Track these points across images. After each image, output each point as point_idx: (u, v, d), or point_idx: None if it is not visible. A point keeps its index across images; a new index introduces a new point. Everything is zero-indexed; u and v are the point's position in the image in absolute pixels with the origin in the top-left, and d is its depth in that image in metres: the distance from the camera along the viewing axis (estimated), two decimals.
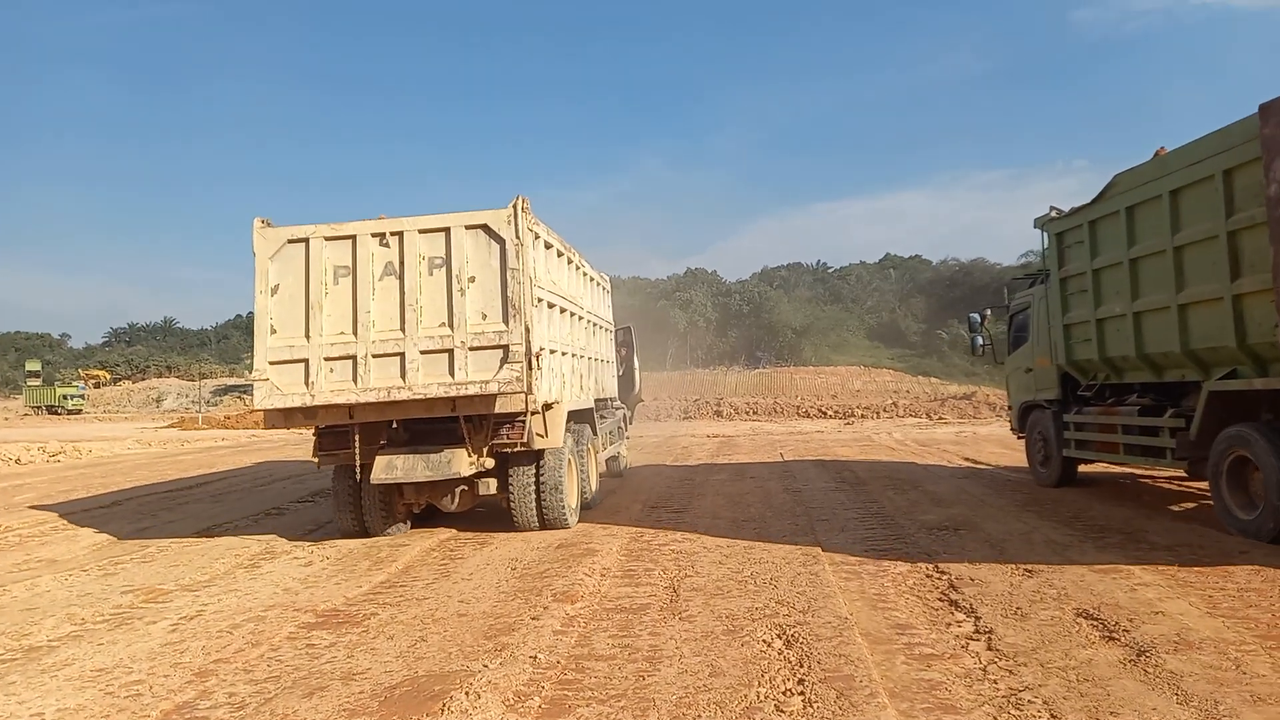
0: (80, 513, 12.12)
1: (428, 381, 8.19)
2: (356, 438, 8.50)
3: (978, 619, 5.50)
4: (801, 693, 4.32)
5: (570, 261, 10.71)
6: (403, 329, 8.27)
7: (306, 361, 8.27)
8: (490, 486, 8.99)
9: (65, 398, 65.97)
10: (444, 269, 8.31)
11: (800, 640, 5.15)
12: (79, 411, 64.52)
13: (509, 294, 8.23)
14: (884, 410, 35.15)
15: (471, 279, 8.29)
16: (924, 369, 64.42)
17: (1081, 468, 11.32)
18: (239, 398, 61.11)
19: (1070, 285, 10.33)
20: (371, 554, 8.40)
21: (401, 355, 8.23)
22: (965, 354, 66.33)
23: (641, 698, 4.35)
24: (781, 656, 4.89)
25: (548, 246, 9.45)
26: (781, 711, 4.11)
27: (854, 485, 12.31)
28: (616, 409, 14.02)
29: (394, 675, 4.86)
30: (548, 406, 8.89)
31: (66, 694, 4.78)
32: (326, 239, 8.42)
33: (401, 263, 8.33)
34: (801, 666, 4.69)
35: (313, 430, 8.85)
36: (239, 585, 7.34)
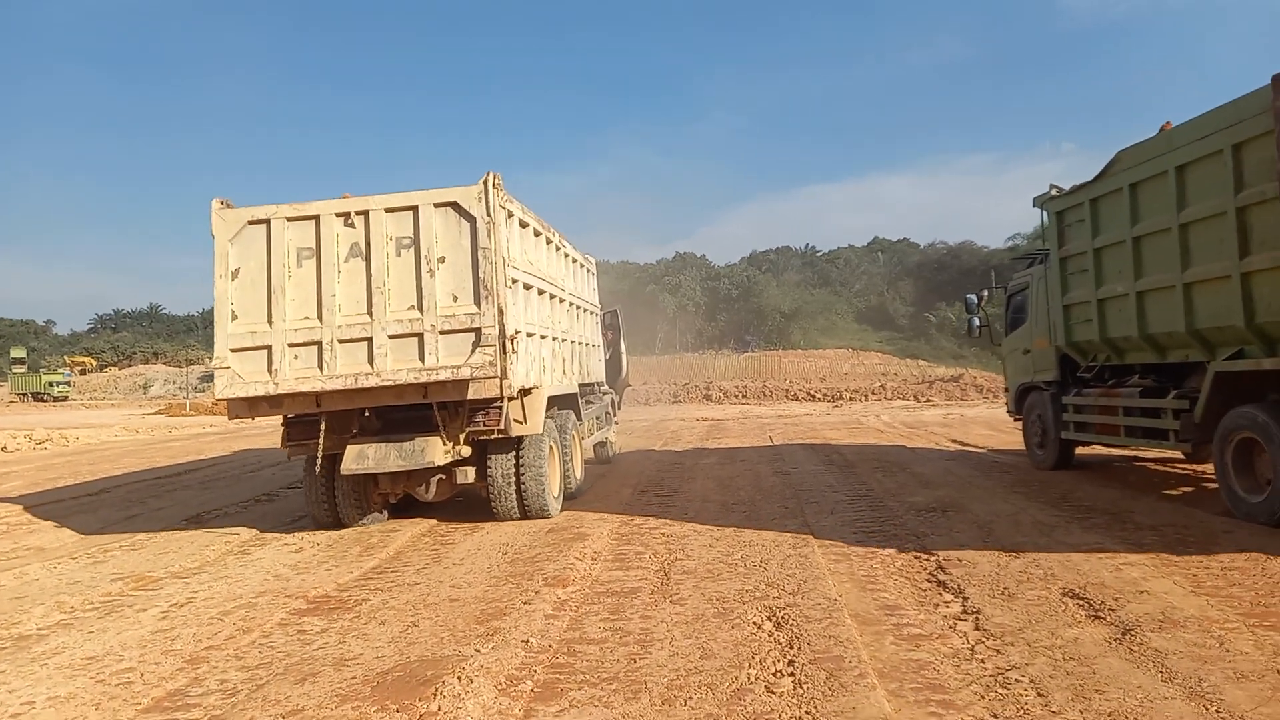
0: (68, 500, 12.07)
1: (397, 367, 7.90)
2: (324, 427, 8.25)
3: (965, 599, 5.55)
4: (791, 674, 4.36)
5: (549, 242, 10.41)
6: (370, 313, 7.97)
7: (269, 348, 7.97)
8: (468, 475, 8.78)
9: (51, 385, 65.44)
10: (412, 249, 8.00)
11: (790, 622, 5.18)
12: (65, 398, 64.06)
13: (480, 275, 7.91)
14: (872, 393, 35.30)
15: (441, 259, 7.98)
16: (912, 352, 64.66)
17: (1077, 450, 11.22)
18: None
19: (1070, 265, 10.16)
20: (362, 539, 8.40)
21: (369, 340, 7.94)
22: (953, 337, 66.69)
23: (633, 680, 4.38)
24: (772, 638, 4.93)
25: (523, 225, 9.12)
26: (772, 693, 4.14)
27: (843, 468, 12.37)
28: (604, 394, 13.80)
29: (386, 660, 4.88)
30: (526, 392, 8.65)
31: (57, 682, 4.78)
32: (289, 220, 8.09)
33: (367, 243, 8.02)
34: (791, 648, 4.73)
35: (281, 419, 8.60)
36: (229, 572, 7.33)
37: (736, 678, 4.35)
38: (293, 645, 5.25)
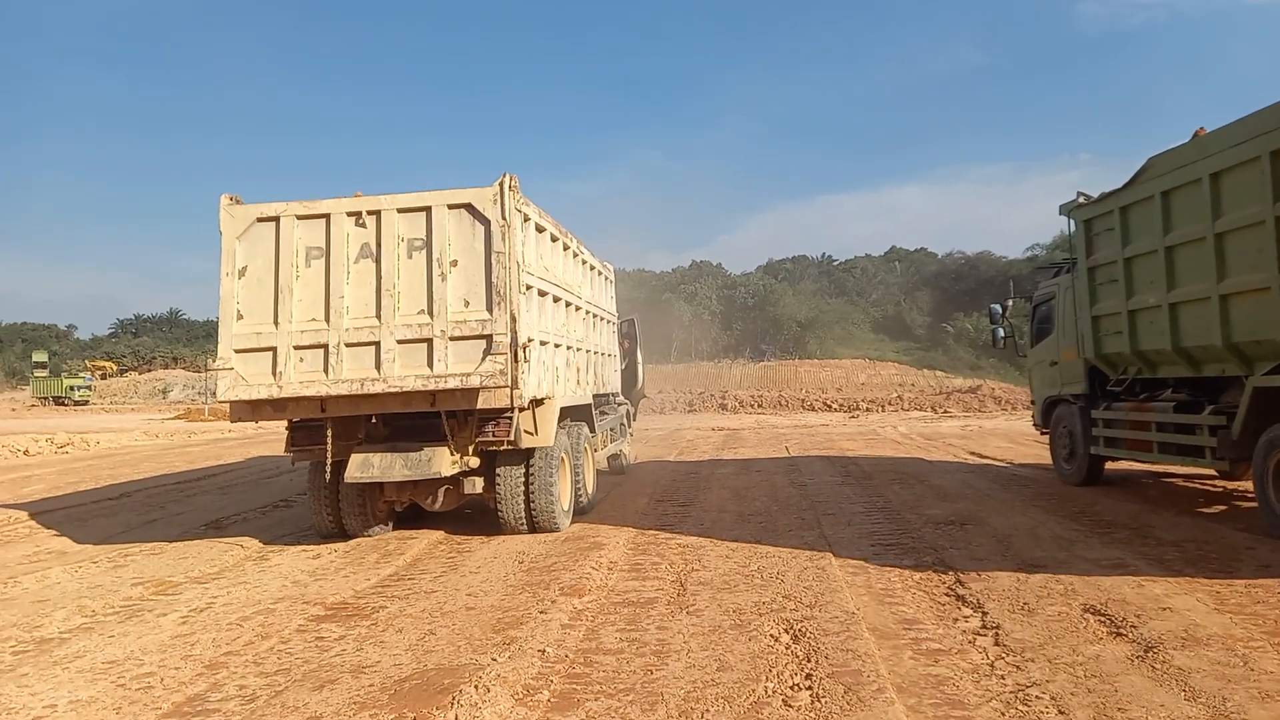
0: (89, 504, 12.18)
1: (404, 373, 7.64)
2: (330, 433, 8.03)
3: (985, 614, 5.51)
4: (809, 687, 4.34)
5: (567, 248, 10.10)
6: (378, 316, 7.73)
7: (274, 350, 7.75)
8: (476, 485, 8.50)
9: (72, 389, 66.08)
10: (424, 252, 7.76)
11: (808, 635, 5.16)
12: (86, 403, 64.66)
13: (494, 279, 7.64)
14: (889, 404, 35.16)
15: (454, 263, 7.72)
16: (929, 362, 64.34)
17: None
18: None
19: (1099, 275, 9.89)
20: (379, 547, 8.43)
21: (377, 344, 7.69)
22: (970, 347, 66.34)
23: (650, 692, 4.37)
24: (789, 651, 4.91)
25: (540, 230, 8.85)
26: (789, 706, 4.13)
27: (860, 480, 12.31)
28: (619, 405, 13.50)
29: (403, 668, 4.89)
30: (538, 402, 8.41)
31: (79, 685, 4.82)
32: (299, 218, 7.87)
33: (378, 244, 7.79)
34: (809, 661, 4.71)
35: (285, 424, 8.43)
36: (248, 578, 7.37)
37: (754, 690, 4.33)
38: (311, 652, 5.27)
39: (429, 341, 7.68)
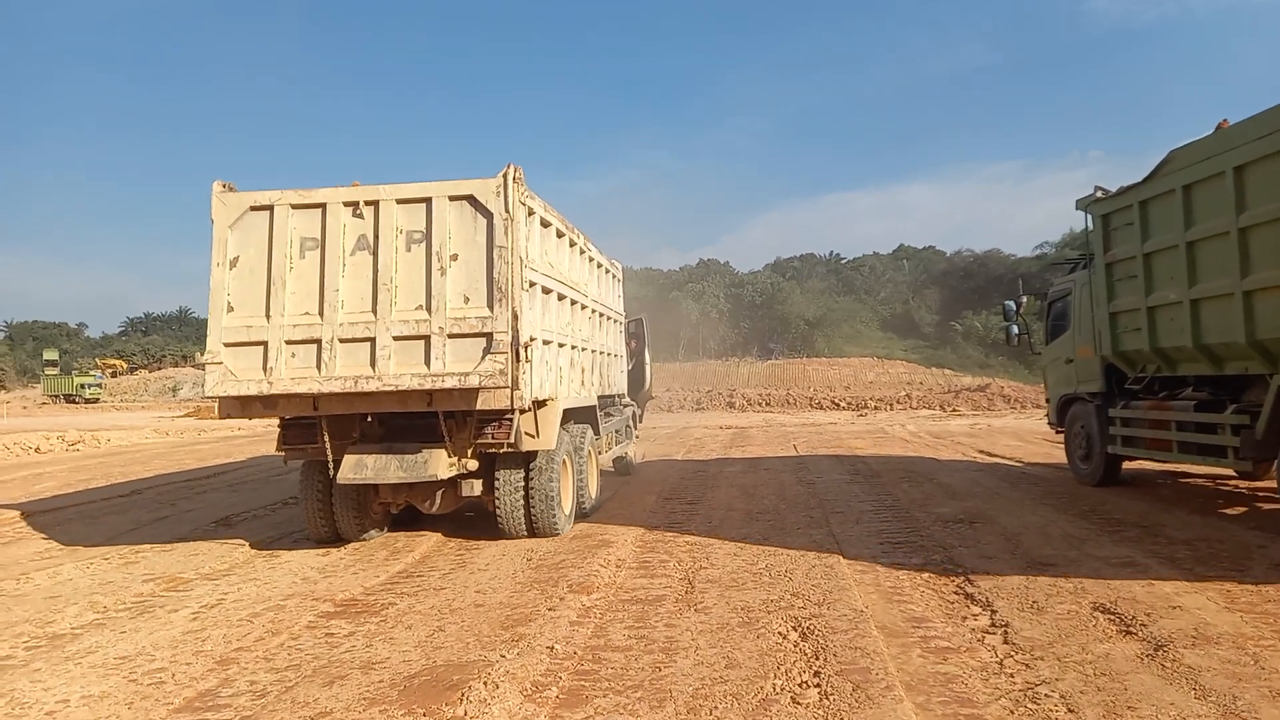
0: (100, 501, 12.24)
1: (400, 371, 7.32)
2: (325, 433, 7.77)
3: (994, 612, 5.50)
4: (818, 685, 4.34)
5: (573, 244, 9.77)
6: (374, 311, 7.40)
7: (265, 344, 7.44)
8: (475, 488, 8.18)
9: (82, 387, 66.52)
10: (423, 245, 7.44)
11: (816, 633, 5.16)
12: (96, 400, 65.07)
13: (495, 275, 7.32)
14: (897, 402, 35.08)
15: (454, 257, 7.39)
16: (938, 360, 64.25)
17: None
18: None
19: (1117, 270, 9.71)
20: (388, 544, 8.45)
21: (372, 341, 7.36)
22: (979, 345, 66.19)
23: (658, 689, 4.38)
24: (797, 649, 4.91)
25: (545, 225, 8.51)
26: (798, 703, 4.13)
27: (868, 478, 12.30)
28: (625, 406, 13.16)
29: (412, 665, 4.91)
30: (540, 404, 8.13)
31: (91, 681, 4.85)
32: (293, 206, 7.56)
33: (376, 236, 7.47)
34: (817, 659, 4.71)
35: (277, 421, 8.11)
36: (258, 574, 7.41)
37: (762, 688, 4.34)
38: (320, 648, 5.29)
39: (426, 339, 7.36)
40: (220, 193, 7.66)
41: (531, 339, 7.73)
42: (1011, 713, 3.96)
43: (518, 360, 7.34)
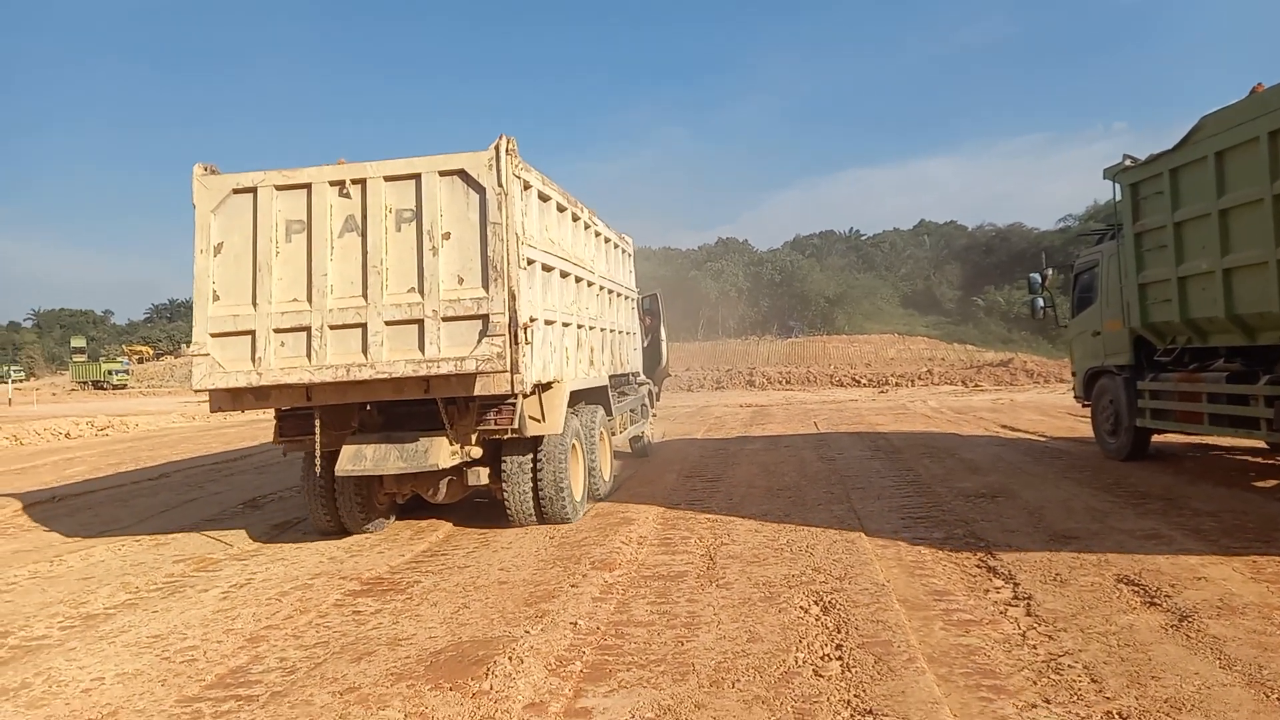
0: (130, 485, 12.45)
1: (393, 358, 7.01)
2: (317, 423, 7.45)
3: (1016, 585, 5.49)
4: (840, 658, 4.36)
5: (576, 218, 9.35)
6: (365, 295, 7.08)
7: (253, 333, 7.14)
8: (481, 476, 7.90)
9: (110, 373, 67.32)
10: (414, 224, 7.10)
11: (838, 606, 5.18)
12: (123, 386, 65.85)
13: (490, 253, 6.98)
14: (919, 378, 34.88)
15: (446, 235, 7.06)
16: (959, 336, 63.72)
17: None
18: None
19: (1146, 240, 9.44)
20: (412, 523, 8.54)
21: (363, 326, 7.06)
22: (1002, 320, 65.58)
23: (680, 663, 4.41)
24: (819, 623, 4.93)
25: (544, 199, 8.13)
26: (820, 676, 4.15)
27: (889, 454, 12.26)
28: (640, 385, 12.84)
29: (438, 641, 4.97)
30: (545, 386, 7.86)
31: (125, 659, 4.95)
32: (277, 188, 7.23)
33: (364, 216, 7.13)
34: (839, 632, 4.73)
35: (274, 412, 7.82)
36: (285, 554, 7.52)
37: (784, 661, 4.36)
38: (348, 625, 5.38)
39: (420, 323, 7.04)
40: (201, 176, 7.35)
41: (532, 319, 7.39)
42: (1034, 683, 3.97)
43: (516, 343, 7.03)
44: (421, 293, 7.06)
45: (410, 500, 8.51)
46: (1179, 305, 9.00)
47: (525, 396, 7.47)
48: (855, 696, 3.88)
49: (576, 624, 5.12)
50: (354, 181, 7.18)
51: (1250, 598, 5.01)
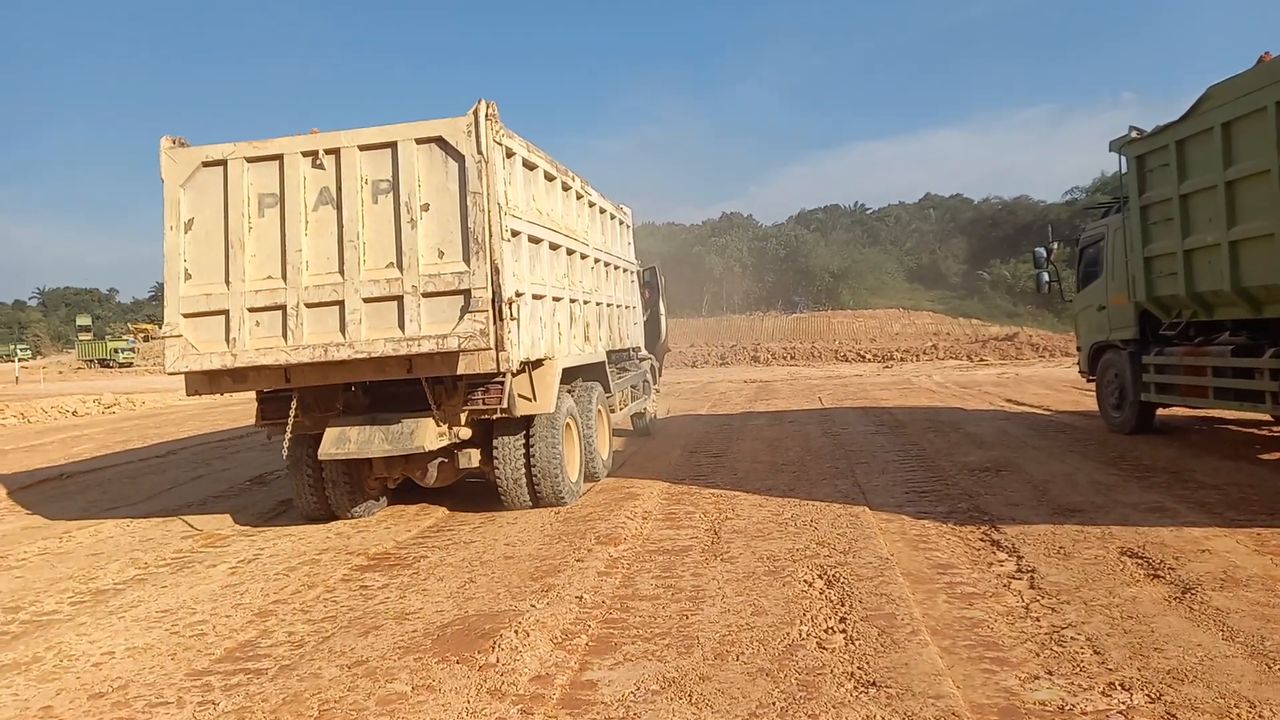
0: (138, 461, 12.52)
1: (372, 336, 6.71)
2: (293, 405, 7.28)
3: (1020, 558, 5.50)
4: (843, 630, 4.39)
5: (567, 188, 8.92)
6: (341, 271, 6.78)
7: (227, 313, 6.85)
8: (472, 458, 7.62)
9: (116, 351, 67.60)
10: (390, 195, 6.77)
11: (841, 580, 5.20)
12: (130, 365, 66.07)
13: (470, 225, 6.64)
14: (924, 353, 34.84)
15: (424, 207, 6.73)
16: (965, 310, 63.61)
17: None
18: None
19: (1152, 214, 9.37)
20: (418, 500, 8.58)
21: (340, 304, 6.76)
22: (1007, 294, 65.37)
23: (685, 636, 4.44)
24: (823, 596, 4.96)
25: (530, 167, 7.73)
26: (824, 648, 4.18)
27: (894, 429, 12.27)
28: (641, 360, 12.52)
29: (445, 615, 5.01)
30: (536, 364, 7.57)
31: (135, 634, 5.00)
32: (248, 160, 6.91)
33: (339, 188, 6.81)
34: (843, 605, 4.75)
35: (255, 394, 7.61)
36: (293, 530, 7.57)
37: (788, 634, 4.39)
38: (355, 600, 5.42)
39: (399, 299, 6.74)
40: (169, 149, 7.01)
41: (518, 294, 7.03)
42: (1037, 655, 3.99)
43: (501, 318, 6.70)
44: (400, 268, 6.76)
45: (406, 484, 8.24)
46: (1184, 279, 8.93)
47: (514, 374, 7.21)
48: (859, 669, 3.91)
49: (582, 598, 5.15)
50: (328, 151, 6.87)
51: (1254, 570, 5.02)
